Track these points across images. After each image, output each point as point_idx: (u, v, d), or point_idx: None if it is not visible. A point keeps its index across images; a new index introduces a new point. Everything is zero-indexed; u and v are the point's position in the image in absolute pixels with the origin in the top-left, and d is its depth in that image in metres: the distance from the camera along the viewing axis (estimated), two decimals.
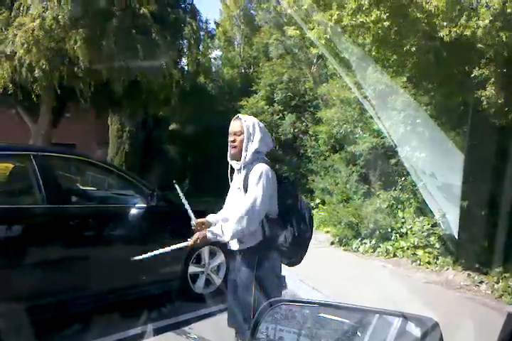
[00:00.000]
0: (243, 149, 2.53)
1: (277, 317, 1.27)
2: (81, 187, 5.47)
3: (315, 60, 11.61)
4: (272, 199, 2.46)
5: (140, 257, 2.56)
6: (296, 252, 2.54)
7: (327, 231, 8.61)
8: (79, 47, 7.92)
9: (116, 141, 14.93)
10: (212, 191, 11.78)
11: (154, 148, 15.18)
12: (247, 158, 2.51)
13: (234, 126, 2.58)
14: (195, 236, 2.45)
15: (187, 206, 2.68)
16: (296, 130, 11.30)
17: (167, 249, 2.49)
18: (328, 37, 5.78)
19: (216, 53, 17.30)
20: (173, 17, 10.51)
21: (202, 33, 11.92)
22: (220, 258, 4.90)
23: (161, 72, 9.46)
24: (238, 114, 2.66)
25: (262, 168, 2.45)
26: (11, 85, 8.28)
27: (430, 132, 6.11)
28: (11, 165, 4.48)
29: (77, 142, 13.70)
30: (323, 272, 5.79)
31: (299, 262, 2.65)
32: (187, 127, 14.52)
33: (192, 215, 2.65)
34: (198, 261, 4.74)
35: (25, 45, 7.76)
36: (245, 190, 2.46)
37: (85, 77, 8.59)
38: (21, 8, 8.13)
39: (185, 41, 11.49)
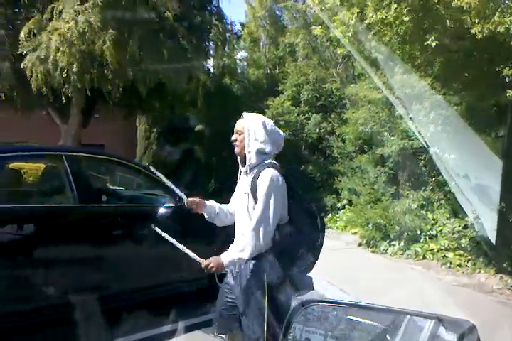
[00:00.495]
0: (246, 148, 2.38)
1: (309, 317, 1.26)
2: (110, 186, 5.56)
3: (341, 60, 11.52)
4: (283, 205, 2.33)
5: (160, 232, 2.50)
6: (307, 259, 2.42)
7: (354, 233, 8.53)
8: (107, 49, 8.03)
9: (144, 141, 15.13)
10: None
11: (182, 149, 15.32)
12: (251, 159, 2.35)
13: (237, 124, 2.46)
14: (211, 263, 2.24)
15: (171, 186, 2.72)
16: (322, 130, 11.22)
17: (186, 250, 2.37)
18: (352, 36, 5.73)
19: (242, 54, 17.35)
20: (199, 19, 10.59)
21: (228, 35, 11.96)
22: None
23: (187, 75, 9.54)
24: (244, 112, 2.51)
25: (269, 173, 2.28)
26: (44, 88, 8.48)
27: (460, 133, 5.98)
28: (42, 166, 4.60)
29: (105, 142, 13.94)
30: (351, 274, 5.73)
31: (310, 270, 2.56)
32: (213, 128, 14.60)
33: (181, 193, 2.67)
34: None
35: (61, 49, 7.90)
36: (253, 197, 2.31)
37: (114, 79, 8.72)
38: (54, 12, 8.32)
39: (211, 43, 11.57)
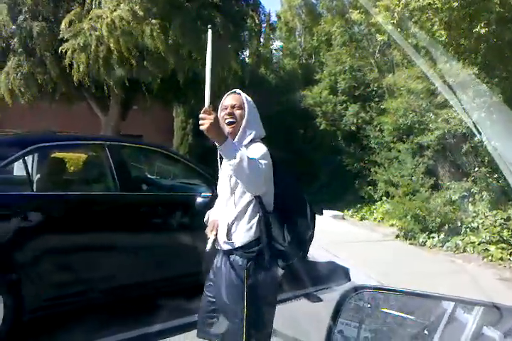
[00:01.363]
0: (242, 129, 2.09)
1: (360, 304, 1.24)
2: (149, 175, 5.66)
3: (380, 48, 11.26)
4: (269, 189, 2.03)
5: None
6: (294, 254, 2.09)
7: (391, 225, 8.39)
8: (149, 38, 8.07)
9: (180, 131, 15.31)
10: None
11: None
12: (245, 140, 2.08)
13: (232, 98, 2.13)
14: (207, 119, 1.85)
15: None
16: (359, 120, 11.04)
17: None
18: (395, 22, 5.57)
19: (277, 44, 17.24)
20: (236, 9, 10.57)
21: (263, 25, 11.89)
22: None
23: (223, 64, 9.54)
24: (235, 89, 2.20)
25: (260, 145, 2.05)
26: (85, 79, 8.66)
27: (506, 121, 5.75)
28: (83, 155, 4.72)
29: (143, 133, 14.18)
30: (389, 266, 5.64)
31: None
32: None
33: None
34: None
35: (105, 37, 8.02)
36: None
37: (153, 69, 8.81)
38: (93, 3, 8.45)
39: (246, 33, 11.53)
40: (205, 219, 2.32)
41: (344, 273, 5.44)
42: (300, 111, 12.48)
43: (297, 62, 15.23)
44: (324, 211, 9.82)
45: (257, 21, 10.99)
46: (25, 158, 3.37)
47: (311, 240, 2.18)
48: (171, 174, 5.70)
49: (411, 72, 8.35)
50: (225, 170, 2.10)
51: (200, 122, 1.84)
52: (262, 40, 12.53)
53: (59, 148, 3.95)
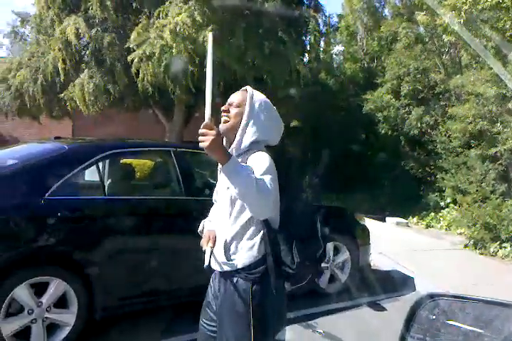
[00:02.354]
0: (240, 130, 1.81)
1: (434, 311, 1.19)
2: (211, 181, 5.78)
3: (446, 49, 10.83)
4: (275, 203, 1.74)
5: None
6: (304, 276, 1.82)
7: (460, 233, 8.02)
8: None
9: None
10: (333, 187, 11.71)
11: (276, 145, 15.45)
12: (242, 144, 1.81)
13: (234, 96, 1.90)
14: (208, 135, 1.57)
15: None
16: (424, 125, 10.64)
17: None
18: (462, 22, 5.35)
19: (338, 48, 17.09)
20: (297, 13, 10.59)
21: (324, 28, 11.83)
22: (345, 254, 4.86)
23: (288, 69, 9.57)
24: (246, 86, 1.94)
25: (265, 155, 1.75)
26: (150, 87, 9.02)
27: None
28: (149, 161, 4.91)
29: None
30: (457, 276, 5.39)
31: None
32: (307, 124, 14.55)
33: None
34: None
35: (169, 45, 8.29)
36: None
37: (215, 76, 8.98)
38: (161, 15, 8.79)
39: (308, 37, 11.52)
40: (200, 229, 2.05)
41: (409, 283, 5.27)
42: (361, 116, 12.27)
43: (359, 67, 15.00)
44: (387, 218, 9.58)
45: (317, 24, 10.95)
46: (98, 163, 3.56)
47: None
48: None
49: (480, 74, 7.96)
50: (223, 180, 1.81)
51: (200, 138, 1.56)
52: (322, 44, 12.47)
53: (129, 154, 4.14)
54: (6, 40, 15.25)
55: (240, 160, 1.72)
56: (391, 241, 7.17)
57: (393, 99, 11.32)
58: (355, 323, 4.01)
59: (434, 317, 1.19)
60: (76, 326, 3.08)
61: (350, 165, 12.36)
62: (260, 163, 1.72)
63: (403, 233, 8.51)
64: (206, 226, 2.02)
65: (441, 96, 10.70)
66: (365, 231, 5.20)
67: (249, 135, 1.80)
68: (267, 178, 1.66)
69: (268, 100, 1.90)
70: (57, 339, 3.05)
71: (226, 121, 1.84)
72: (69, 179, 3.27)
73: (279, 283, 1.76)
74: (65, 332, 3.06)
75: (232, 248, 1.77)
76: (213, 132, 1.56)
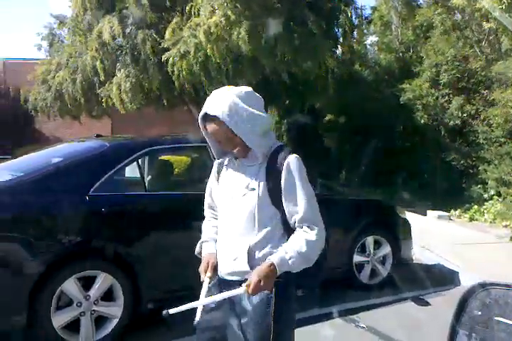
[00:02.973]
0: (244, 141, 1.68)
1: (486, 301, 1.14)
2: None
3: (486, 36, 10.42)
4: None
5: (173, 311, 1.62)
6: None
7: (506, 226, 7.76)
8: (243, 42, 8.24)
9: (275, 132, 15.50)
10: (372, 181, 11.53)
11: (311, 139, 15.37)
12: (260, 155, 1.70)
13: (216, 132, 1.71)
14: (255, 278, 1.58)
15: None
16: (464, 114, 10.29)
17: (215, 297, 1.67)
18: (505, 7, 5.14)
19: (372, 39, 16.74)
20: (329, 5, 10.45)
21: (357, 20, 11.61)
22: (386, 248, 4.78)
23: (317, 62, 9.47)
24: (204, 108, 1.73)
25: (298, 158, 1.72)
26: (186, 84, 9.12)
27: None
28: (185, 157, 4.96)
29: None
30: (504, 270, 5.19)
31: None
32: (343, 117, 14.38)
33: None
34: (363, 250, 4.69)
35: (203, 43, 8.36)
36: (268, 189, 1.69)
37: (248, 72, 9.01)
38: (193, 12, 8.85)
39: (340, 29, 11.35)
40: (197, 251, 1.90)
41: (453, 277, 5.14)
42: (398, 107, 11.99)
43: (394, 56, 14.65)
44: (428, 211, 9.35)
45: (349, 16, 10.77)
46: (138, 160, 3.62)
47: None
48: None
49: None
50: (240, 182, 1.74)
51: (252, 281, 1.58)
52: (355, 35, 12.23)
53: (167, 151, 4.19)
54: (44, 42, 15.72)
55: (262, 163, 1.71)
56: (433, 235, 7.00)
57: (432, 89, 10.98)
58: (398, 318, 3.94)
59: (485, 306, 1.14)
60: (122, 318, 3.16)
61: (389, 158, 12.12)
62: (294, 168, 1.68)
63: (445, 226, 8.29)
64: (205, 248, 1.86)
65: (481, 84, 10.33)
66: (406, 225, 5.10)
67: (256, 144, 1.69)
68: (307, 185, 1.70)
69: (231, 96, 1.69)
70: (105, 332, 3.14)
71: (235, 148, 1.72)
72: (111, 175, 3.34)
73: (292, 289, 1.75)
74: (112, 325, 3.15)
75: (258, 255, 1.69)
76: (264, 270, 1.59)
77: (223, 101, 1.67)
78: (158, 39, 9.61)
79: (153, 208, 3.52)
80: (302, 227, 1.69)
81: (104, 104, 10.81)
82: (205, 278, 1.72)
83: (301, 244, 1.64)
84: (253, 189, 1.69)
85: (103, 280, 3.11)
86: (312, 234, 1.67)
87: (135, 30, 9.83)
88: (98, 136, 4.23)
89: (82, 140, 4.30)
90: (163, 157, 4.43)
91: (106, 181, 3.30)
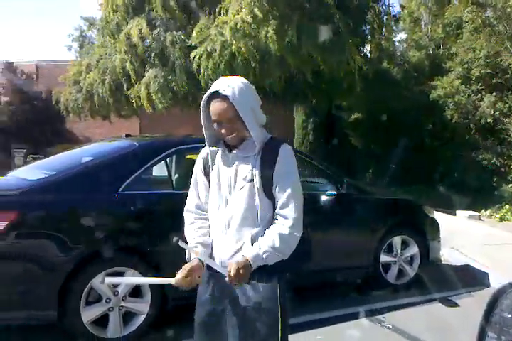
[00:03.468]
0: (250, 132, 1.72)
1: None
2: None
3: None
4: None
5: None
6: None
7: None
8: (271, 41, 8.20)
9: (301, 131, 15.46)
10: (400, 180, 11.36)
11: (338, 138, 15.26)
12: (258, 139, 1.73)
13: (218, 108, 1.71)
14: (233, 269, 1.62)
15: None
16: (497, 112, 10.00)
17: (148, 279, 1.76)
18: None
19: (401, 36, 16.48)
20: (356, 3, 10.35)
21: (385, 17, 11.44)
22: (414, 248, 4.73)
23: (344, 60, 9.39)
24: (216, 86, 1.71)
25: (290, 149, 1.77)
26: (210, 83, 9.17)
27: None
28: None
29: None
30: None
31: None
32: (370, 115, 14.21)
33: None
34: (390, 250, 4.64)
35: (229, 41, 8.39)
36: (265, 179, 1.72)
37: (275, 71, 8.99)
38: (222, 12, 8.91)
39: (367, 27, 11.22)
40: (187, 257, 1.82)
41: (483, 278, 5.03)
42: (428, 105, 11.77)
43: (424, 54, 14.38)
44: (458, 211, 9.17)
45: (378, 13, 10.63)
46: (166, 159, 3.69)
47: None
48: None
49: None
50: (239, 174, 1.75)
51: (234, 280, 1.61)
52: (384, 32, 12.06)
53: (194, 150, 4.22)
54: (74, 44, 16.13)
55: (258, 155, 1.74)
56: (463, 235, 6.86)
57: (463, 85, 10.72)
58: (425, 318, 3.90)
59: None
60: (150, 314, 3.23)
61: (417, 157, 11.93)
62: (287, 159, 1.73)
63: (475, 227, 8.12)
64: (192, 256, 1.78)
65: None
66: (435, 225, 5.02)
67: (257, 129, 1.73)
68: (295, 177, 1.74)
69: (242, 82, 1.73)
70: (133, 327, 3.21)
71: (229, 136, 1.73)
72: (140, 174, 3.41)
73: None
74: (139, 320, 3.22)
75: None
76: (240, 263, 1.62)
77: (235, 84, 1.70)
78: (186, 40, 9.70)
79: (180, 206, 3.57)
80: (278, 219, 1.73)
81: (134, 105, 10.99)
82: (173, 280, 1.70)
83: (275, 239, 1.68)
84: (251, 180, 1.72)
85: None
86: (285, 228, 1.70)
87: (163, 32, 9.97)
88: (127, 135, 4.31)
89: (111, 140, 4.40)
90: (190, 156, 4.48)
91: (135, 180, 3.38)
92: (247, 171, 1.74)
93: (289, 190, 1.71)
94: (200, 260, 1.73)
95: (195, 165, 1.91)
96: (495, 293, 1.15)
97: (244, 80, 1.76)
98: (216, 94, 1.70)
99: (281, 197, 1.72)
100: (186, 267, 1.71)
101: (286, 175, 1.73)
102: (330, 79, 10.39)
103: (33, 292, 2.95)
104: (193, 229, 1.86)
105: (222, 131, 1.72)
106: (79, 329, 3.05)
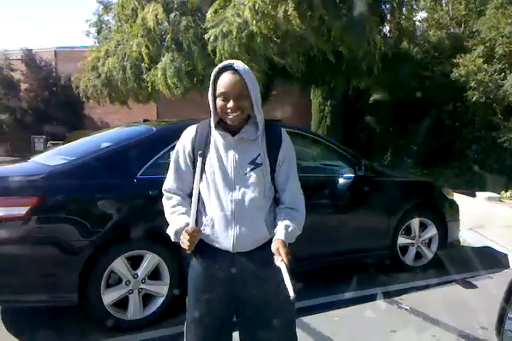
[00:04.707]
0: (255, 114, 1.75)
1: None
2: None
3: None
4: None
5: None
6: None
7: None
8: (293, 18, 8.01)
9: (318, 114, 15.32)
10: (420, 161, 11.23)
11: (356, 120, 15.10)
12: (261, 121, 1.76)
13: (230, 83, 1.68)
14: (283, 253, 1.63)
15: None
16: None
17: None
18: None
19: (421, 15, 16.06)
20: None
21: None
22: (432, 230, 4.71)
23: (364, 40, 9.18)
24: (228, 61, 1.72)
25: (286, 133, 1.84)
26: None
27: None
28: None
29: (281, 118, 14.54)
30: None
31: None
32: (389, 97, 13.98)
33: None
34: (409, 232, 4.63)
35: (248, 22, 8.25)
36: (270, 163, 1.76)
37: (295, 50, 8.83)
38: None
39: (387, 6, 10.95)
40: (174, 239, 1.79)
41: (502, 260, 4.99)
42: (448, 85, 11.51)
43: (445, 33, 14.02)
44: (478, 193, 9.05)
45: None
46: None
47: None
48: (312, 156, 5.75)
49: None
50: (243, 157, 1.75)
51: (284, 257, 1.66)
52: (404, 11, 11.75)
53: None
54: (92, 29, 16.15)
55: (261, 137, 1.76)
56: (482, 217, 6.79)
57: (485, 64, 10.41)
58: (443, 300, 3.90)
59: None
60: (169, 296, 3.30)
61: (437, 138, 11.74)
62: (288, 144, 1.81)
63: (495, 208, 8.02)
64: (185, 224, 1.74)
65: None
66: (454, 207, 4.98)
67: (261, 115, 1.76)
68: (295, 166, 1.82)
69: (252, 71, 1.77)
70: (153, 309, 3.28)
71: (237, 115, 1.71)
72: (158, 159, 3.43)
73: None
74: (159, 302, 3.29)
75: (268, 223, 1.79)
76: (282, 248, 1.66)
77: (246, 67, 1.72)
78: (201, 25, 9.61)
79: None
80: (291, 204, 1.80)
81: (149, 89, 11.01)
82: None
83: (297, 217, 1.79)
84: (260, 164, 1.74)
85: (150, 260, 3.25)
86: (300, 212, 1.81)
87: (179, 16, 9.89)
88: (145, 120, 4.34)
89: (130, 125, 4.42)
90: None
91: (153, 164, 3.39)
92: (254, 154, 1.75)
93: (293, 174, 1.80)
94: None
95: (179, 145, 1.87)
96: None
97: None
98: (229, 68, 1.69)
99: (288, 182, 1.79)
100: (191, 232, 1.67)
101: (289, 158, 1.79)
102: (349, 59, 10.21)
103: (55, 275, 3.03)
104: (181, 212, 1.81)
105: (229, 105, 1.69)
106: (100, 312, 3.12)
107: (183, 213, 1.79)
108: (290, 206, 1.79)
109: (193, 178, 1.79)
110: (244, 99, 1.69)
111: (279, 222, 1.75)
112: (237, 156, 1.75)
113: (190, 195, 1.78)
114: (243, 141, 1.76)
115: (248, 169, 1.74)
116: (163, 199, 1.91)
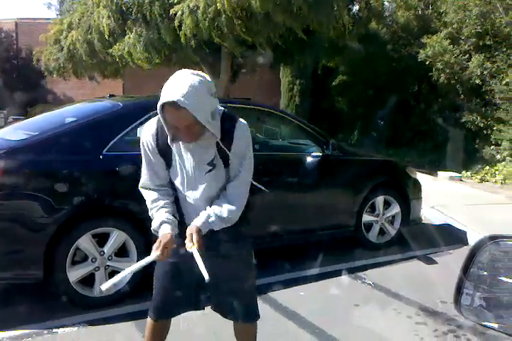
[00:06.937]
0: (207, 128, 1.68)
1: (496, 254, 1.12)
2: (260, 136, 5.78)
3: None
4: None
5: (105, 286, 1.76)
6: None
7: None
8: None
9: (287, 93, 15.30)
10: (385, 141, 11.42)
11: (324, 100, 15.17)
12: (217, 134, 1.73)
13: (179, 119, 1.63)
14: (191, 235, 1.72)
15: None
16: (485, 72, 9.86)
17: (137, 265, 1.77)
18: None
19: None
20: None
21: None
22: (395, 208, 4.83)
23: (332, 18, 9.12)
24: (169, 96, 1.58)
25: (246, 124, 1.81)
26: (192, 41, 8.88)
27: None
28: None
29: (251, 96, 14.46)
30: None
31: None
32: (357, 77, 14.07)
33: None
34: (373, 210, 4.74)
35: None
36: (224, 157, 1.79)
37: (263, 30, 8.73)
38: None
39: None
40: (154, 228, 1.86)
41: (462, 237, 5.20)
42: (415, 66, 11.64)
43: (413, 14, 14.09)
44: (440, 172, 9.33)
45: None
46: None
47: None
48: (280, 134, 5.77)
49: None
50: (200, 157, 1.79)
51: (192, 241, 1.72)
52: None
53: None
54: (54, 1, 15.46)
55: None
56: (443, 196, 7.03)
57: (451, 46, 10.53)
58: (405, 275, 4.04)
59: (494, 260, 1.12)
60: (135, 274, 3.27)
61: (402, 118, 11.95)
62: (245, 135, 1.79)
63: (456, 187, 8.30)
64: (163, 229, 1.80)
65: (504, 42, 9.91)
66: (417, 185, 5.12)
67: (215, 128, 1.71)
68: (250, 154, 1.83)
69: (194, 84, 1.61)
70: (119, 286, 3.24)
71: (191, 138, 1.72)
72: (124, 135, 3.37)
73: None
74: (126, 279, 3.26)
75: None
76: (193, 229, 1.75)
77: (189, 90, 1.58)
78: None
79: None
80: (227, 196, 1.85)
81: (119, 64, 10.68)
82: (154, 255, 1.73)
83: (223, 211, 1.82)
84: (215, 165, 1.80)
85: (117, 237, 3.21)
86: (231, 206, 1.83)
87: None
88: (111, 96, 4.23)
89: (95, 100, 4.30)
90: None
91: (119, 141, 3.34)
92: (209, 157, 1.80)
93: (244, 170, 1.83)
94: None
95: (143, 140, 1.85)
96: (474, 246, 1.16)
97: (196, 78, 1.63)
98: (172, 104, 1.58)
99: (236, 177, 1.84)
100: (164, 243, 1.73)
101: (241, 154, 1.80)
102: (317, 39, 10.16)
103: (19, 252, 2.98)
104: (160, 206, 1.87)
105: (180, 133, 1.69)
106: (65, 289, 3.09)
107: (161, 207, 1.86)
108: (228, 198, 1.84)
109: (167, 167, 1.88)
110: (194, 126, 1.66)
111: (207, 208, 1.83)
112: (196, 158, 1.80)
113: (168, 185, 1.92)
114: (200, 146, 1.78)
115: (206, 169, 1.82)
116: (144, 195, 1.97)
